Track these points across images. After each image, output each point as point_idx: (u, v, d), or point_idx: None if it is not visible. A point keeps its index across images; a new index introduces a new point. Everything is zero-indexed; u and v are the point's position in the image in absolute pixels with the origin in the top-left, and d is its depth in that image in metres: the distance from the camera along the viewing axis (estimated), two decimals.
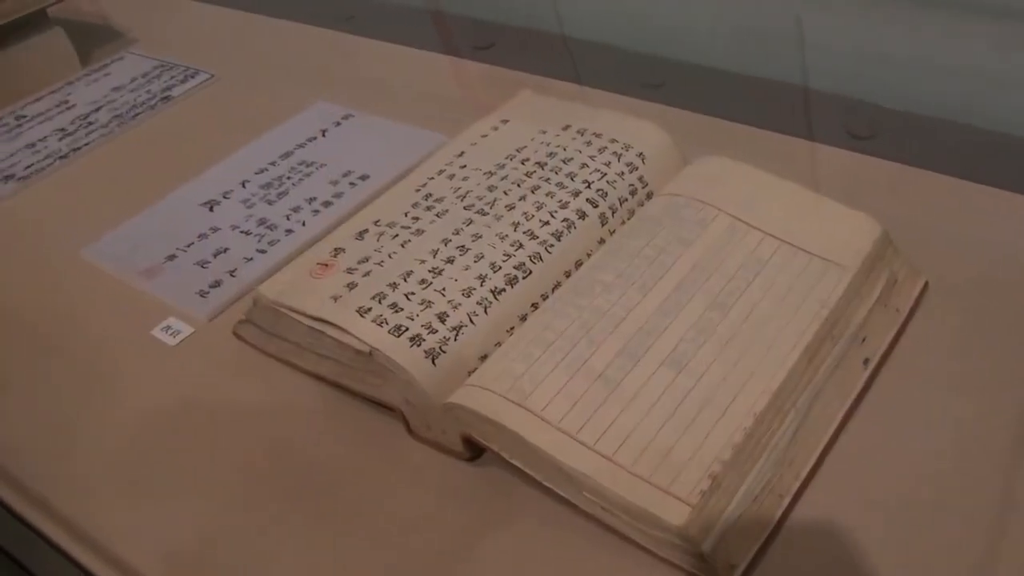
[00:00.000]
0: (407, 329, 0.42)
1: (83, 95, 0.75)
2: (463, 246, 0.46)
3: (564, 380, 0.38)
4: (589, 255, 0.47)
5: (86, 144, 0.69)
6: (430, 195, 0.50)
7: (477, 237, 0.46)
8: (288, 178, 0.61)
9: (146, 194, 0.62)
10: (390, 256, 0.46)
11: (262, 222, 0.58)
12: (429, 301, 0.43)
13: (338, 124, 0.66)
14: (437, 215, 0.48)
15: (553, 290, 0.45)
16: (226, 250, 0.56)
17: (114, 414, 0.47)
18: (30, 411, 0.49)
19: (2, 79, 0.76)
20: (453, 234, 0.47)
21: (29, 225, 0.62)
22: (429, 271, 0.45)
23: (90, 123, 0.71)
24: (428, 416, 0.42)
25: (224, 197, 0.61)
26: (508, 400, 0.38)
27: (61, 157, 0.68)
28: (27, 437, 0.47)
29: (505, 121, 0.55)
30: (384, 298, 0.43)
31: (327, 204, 0.58)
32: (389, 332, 0.42)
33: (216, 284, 0.54)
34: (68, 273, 0.57)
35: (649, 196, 0.50)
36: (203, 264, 0.56)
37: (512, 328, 0.43)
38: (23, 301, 0.56)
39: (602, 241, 0.48)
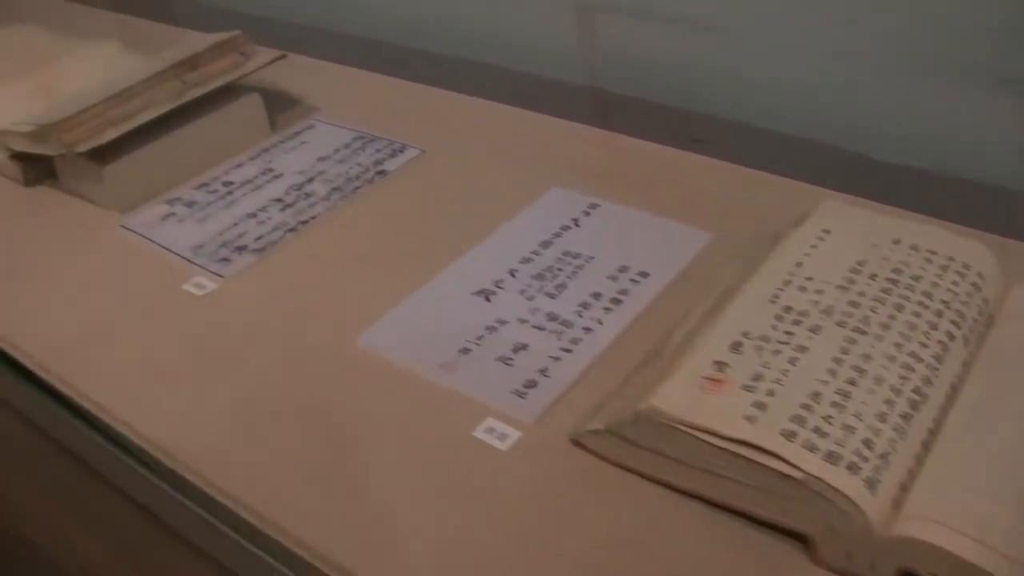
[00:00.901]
0: (840, 456, 0.41)
1: (286, 163, 0.73)
2: (858, 367, 0.45)
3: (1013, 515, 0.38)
4: (959, 379, 0.47)
5: (312, 217, 0.66)
6: (790, 307, 0.50)
7: (867, 358, 0.46)
8: (559, 270, 0.60)
9: (397, 275, 0.60)
10: (784, 374, 0.45)
11: (552, 317, 0.56)
12: (850, 426, 0.42)
13: (587, 213, 0.65)
14: (811, 331, 0.48)
15: (940, 414, 0.45)
16: (525, 346, 0.55)
17: (452, 518, 0.45)
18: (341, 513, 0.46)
19: (201, 144, 0.73)
20: (842, 353, 0.46)
21: (288, 303, 0.60)
22: (836, 392, 0.44)
23: (307, 194, 0.69)
24: (857, 546, 0.41)
25: (497, 287, 0.59)
26: (970, 537, 0.38)
27: (290, 230, 0.66)
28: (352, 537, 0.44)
29: (827, 231, 0.55)
30: (803, 422, 0.42)
31: (616, 302, 0.57)
32: (823, 459, 0.41)
33: (531, 384, 0.52)
34: (350, 362, 0.55)
35: (990, 318, 0.50)
36: (505, 360, 0.54)
37: (918, 455, 0.43)
38: (311, 392, 0.53)
39: (966, 364, 0.48)
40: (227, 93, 0.74)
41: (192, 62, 0.75)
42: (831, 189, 0.63)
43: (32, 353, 0.58)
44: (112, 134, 0.68)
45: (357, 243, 0.64)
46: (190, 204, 0.69)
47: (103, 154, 0.69)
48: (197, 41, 0.78)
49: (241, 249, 0.64)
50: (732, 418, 0.43)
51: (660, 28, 0.78)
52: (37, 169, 0.75)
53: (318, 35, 0.98)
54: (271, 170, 0.72)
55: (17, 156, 0.74)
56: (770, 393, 0.44)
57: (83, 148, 0.67)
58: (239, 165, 0.73)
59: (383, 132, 0.75)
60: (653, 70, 0.78)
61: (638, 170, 0.69)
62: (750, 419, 0.43)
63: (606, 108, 0.80)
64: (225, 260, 0.63)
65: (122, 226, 0.68)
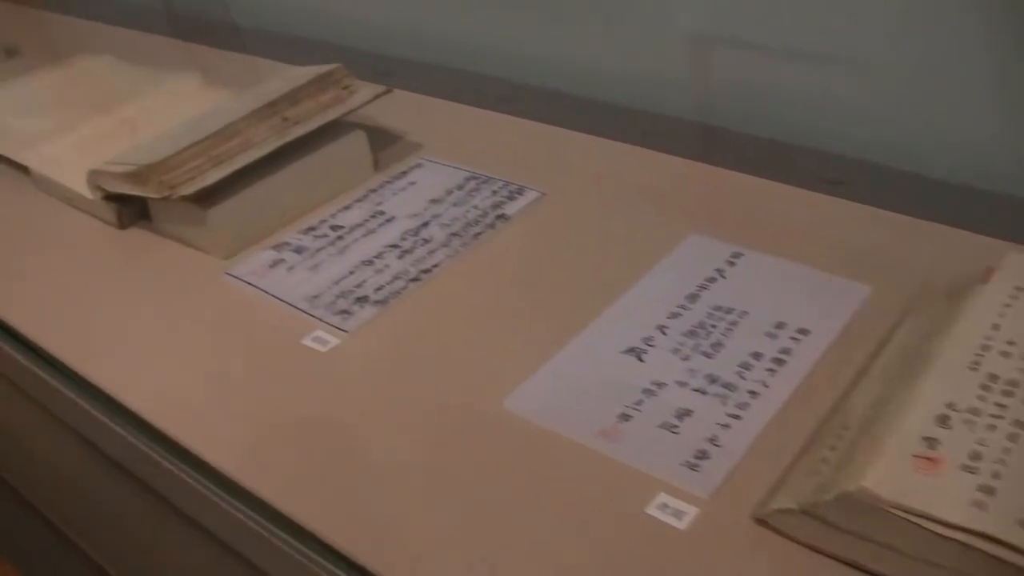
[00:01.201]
0: None
1: (397, 205, 0.69)
2: None
3: None
4: None
5: (434, 265, 0.62)
6: (995, 376, 0.45)
7: None
8: (712, 326, 0.56)
9: (535, 330, 0.56)
10: (1007, 452, 0.41)
11: (712, 379, 0.52)
12: None
13: (731, 263, 0.60)
14: None
15: None
16: (689, 412, 0.50)
17: None
18: None
19: (305, 184, 0.69)
20: None
21: (419, 361, 0.55)
22: None
23: (425, 240, 0.65)
24: None
25: (648, 344, 0.55)
26: None
27: (412, 279, 0.61)
28: None
29: (1020, 289, 0.50)
30: None
31: (779, 362, 0.53)
32: None
33: (702, 455, 0.48)
34: (497, 428, 0.51)
35: None
36: (670, 428, 0.49)
37: None
38: (455, 462, 0.49)
39: None
40: (330, 130, 0.71)
41: (292, 97, 0.71)
42: (994, 237, 0.59)
43: (143, 411, 0.54)
44: (216, 175, 0.64)
45: (485, 294, 0.60)
46: (299, 250, 0.65)
47: (205, 196, 0.65)
48: (295, 75, 0.74)
49: (361, 300, 0.60)
50: (958, 503, 0.39)
51: (783, 60, 0.73)
52: (130, 210, 0.71)
53: (404, 67, 0.94)
54: (381, 213, 0.68)
55: (111, 197, 0.70)
56: (995, 475, 0.40)
57: (187, 191, 0.63)
58: (346, 207, 0.69)
59: (497, 172, 0.71)
60: (777, 105, 0.74)
61: (778, 215, 0.65)
62: (979, 505, 0.38)
63: (727, 146, 0.76)
64: (345, 313, 0.59)
65: (228, 274, 0.64)
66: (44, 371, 0.59)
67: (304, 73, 0.75)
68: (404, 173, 0.73)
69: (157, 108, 0.84)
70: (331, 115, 0.70)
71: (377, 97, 0.72)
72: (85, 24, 1.19)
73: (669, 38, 0.77)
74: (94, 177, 0.69)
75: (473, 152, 0.75)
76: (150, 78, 0.91)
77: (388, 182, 0.72)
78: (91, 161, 0.73)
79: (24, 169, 0.80)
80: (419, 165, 0.74)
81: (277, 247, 0.66)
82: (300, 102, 0.71)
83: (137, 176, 0.65)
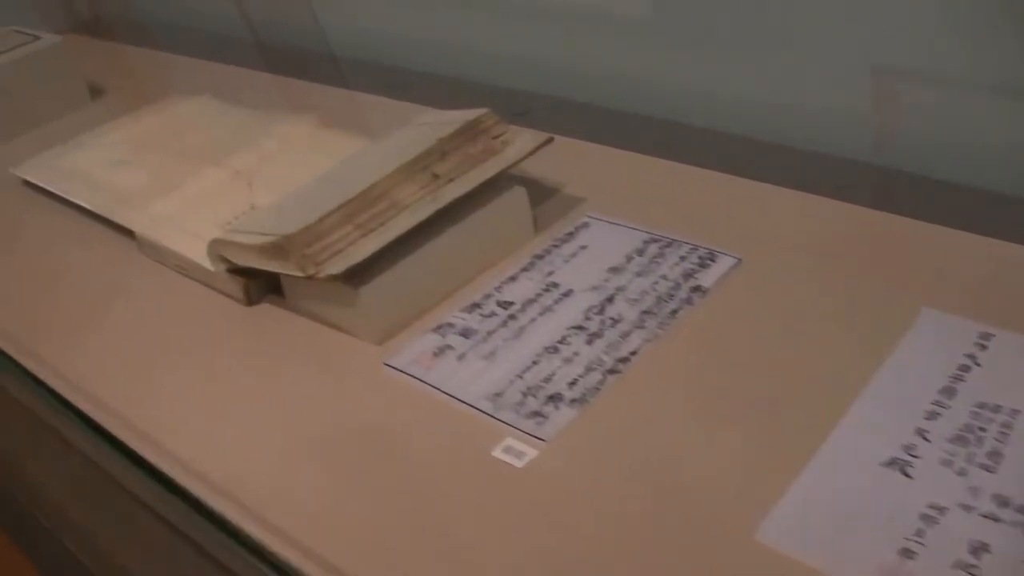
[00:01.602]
0: None
1: (570, 275, 0.59)
2: None
3: None
4: None
5: (632, 353, 0.52)
6: None
7: None
8: (982, 430, 0.45)
9: (767, 435, 0.46)
10: None
11: (1002, 502, 0.42)
12: None
13: (982, 347, 0.50)
14: None
15: None
16: (985, 546, 0.40)
17: None
18: None
19: (461, 252, 0.59)
20: None
21: (640, 477, 0.45)
22: None
23: (614, 320, 0.55)
24: None
25: (910, 454, 0.44)
26: None
27: (610, 371, 0.51)
28: None
29: None
30: None
31: None
32: None
33: None
34: (753, 565, 0.40)
35: None
36: (968, 569, 0.39)
37: None
38: None
39: None
40: (485, 187, 0.61)
41: (440, 150, 0.61)
42: None
43: (291, 558, 0.44)
44: (368, 248, 0.55)
45: (699, 389, 0.50)
46: (466, 333, 0.55)
47: (353, 271, 0.55)
48: (436, 121, 0.65)
49: (555, 399, 0.50)
50: None
51: (982, 98, 0.63)
52: (259, 283, 0.61)
53: (537, 102, 0.84)
54: (555, 285, 0.58)
55: (236, 269, 0.60)
56: None
57: (336, 269, 0.53)
58: (512, 278, 0.59)
59: (678, 232, 0.61)
60: (979, 150, 0.63)
61: (1018, 283, 0.54)
62: None
63: (924, 196, 0.65)
64: (538, 416, 0.49)
65: (388, 365, 0.54)
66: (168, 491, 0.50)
67: (446, 119, 0.65)
68: (571, 234, 0.63)
69: (272, 157, 0.75)
70: (488, 171, 0.60)
71: (538, 148, 0.62)
72: (167, 58, 1.11)
73: (852, 71, 0.67)
74: (217, 247, 0.60)
75: (644, 207, 0.64)
76: (257, 121, 0.82)
77: (554, 246, 0.62)
78: (205, 223, 0.64)
79: (127, 232, 0.71)
80: (586, 224, 0.63)
81: (439, 329, 0.56)
82: (449, 155, 0.61)
83: (274, 249, 0.55)
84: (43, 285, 0.70)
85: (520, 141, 0.63)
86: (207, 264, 0.62)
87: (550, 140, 0.63)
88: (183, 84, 1.01)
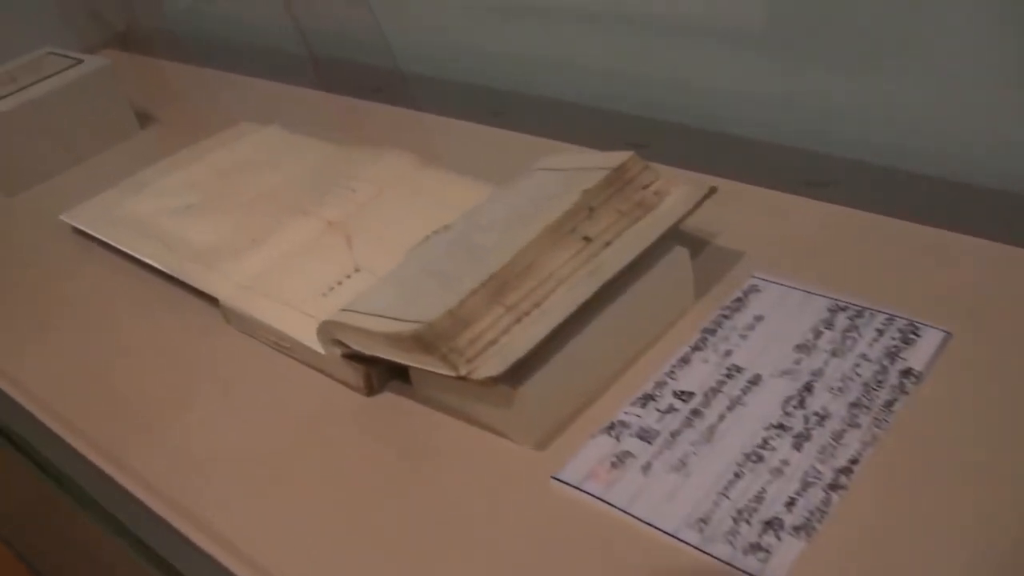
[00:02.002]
0: None
1: (750, 355, 0.51)
2: None
3: None
4: None
5: (854, 462, 0.44)
6: None
7: None
8: None
9: None
10: None
11: None
12: None
13: None
14: None
15: None
16: None
17: None
18: None
19: (621, 331, 0.51)
20: None
21: None
22: None
23: (819, 416, 0.46)
24: None
25: None
26: None
27: (831, 486, 0.43)
28: None
29: None
30: None
31: None
32: None
33: None
34: None
35: None
36: None
37: None
38: None
39: None
40: (652, 251, 0.52)
41: (586, 205, 0.52)
42: None
43: None
44: (527, 340, 0.46)
45: (936, 509, 0.41)
46: (645, 435, 0.46)
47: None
48: (569, 166, 0.56)
49: (774, 526, 0.41)
50: None
51: None
52: (382, 370, 0.52)
53: (657, 129, 0.75)
54: (737, 369, 0.49)
55: (356, 354, 0.51)
56: None
57: (495, 370, 0.44)
58: (684, 360, 0.50)
59: (865, 297, 0.52)
60: None
61: None
62: None
63: None
64: (759, 550, 0.40)
65: (557, 479, 0.45)
66: None
67: (579, 163, 0.56)
68: (739, 301, 0.54)
69: (369, 204, 0.66)
70: (649, 232, 0.52)
71: (702, 202, 0.53)
72: (213, 75, 1.01)
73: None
74: (331, 330, 0.51)
75: (814, 262, 0.56)
76: (344, 157, 0.72)
77: (724, 316, 0.53)
78: (302, 289, 0.56)
79: (200, 293, 0.62)
80: (755, 288, 0.55)
81: (610, 430, 0.47)
82: (597, 211, 0.53)
83: (413, 341, 0.46)
84: (106, 362, 0.61)
85: (677, 192, 0.54)
86: (314, 344, 0.53)
87: (714, 191, 0.54)
88: (236, 107, 0.91)
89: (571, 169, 0.56)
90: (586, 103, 0.80)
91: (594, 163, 0.56)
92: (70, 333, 0.65)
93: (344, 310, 0.51)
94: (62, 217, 0.75)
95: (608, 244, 0.51)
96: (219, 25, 1.15)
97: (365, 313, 0.50)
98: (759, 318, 0.53)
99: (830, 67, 0.66)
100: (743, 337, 0.51)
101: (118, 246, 0.69)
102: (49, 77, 0.85)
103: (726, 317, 0.53)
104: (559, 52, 0.82)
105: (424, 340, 0.46)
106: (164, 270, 0.64)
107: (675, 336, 0.52)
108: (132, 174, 0.78)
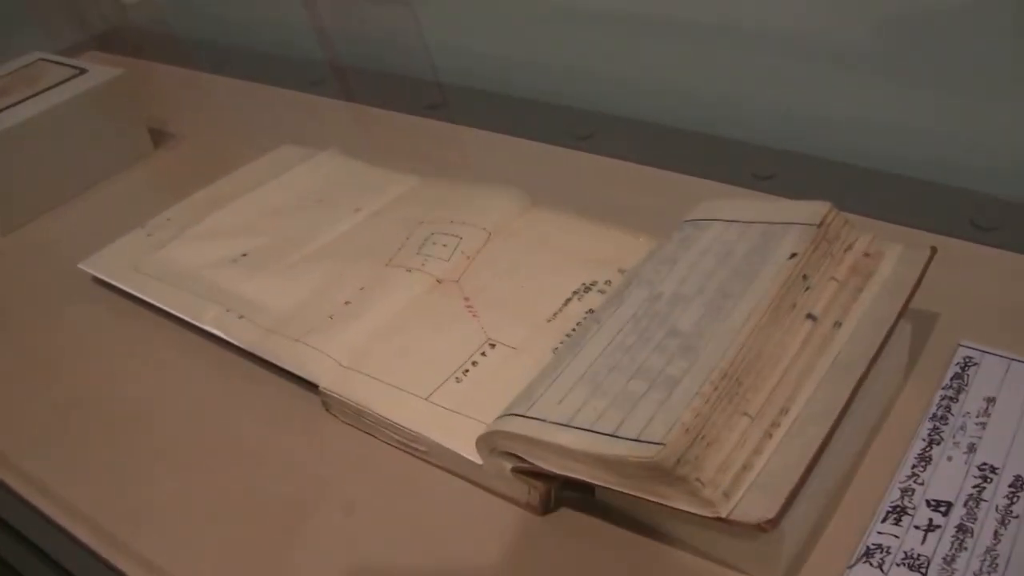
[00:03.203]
0: None
1: (997, 448, 0.43)
2: None
3: None
4: None
5: None
6: None
7: None
8: None
9: None
10: None
11: None
12: None
13: None
14: None
15: None
16: None
17: None
18: None
19: (857, 431, 0.42)
20: None
21: None
22: None
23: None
24: None
25: None
26: None
27: None
28: None
29: None
30: None
31: None
32: None
33: None
34: None
35: None
36: None
37: None
38: None
39: None
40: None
41: (799, 272, 0.44)
42: None
43: None
44: (792, 463, 0.37)
45: None
46: (915, 564, 0.39)
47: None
48: (748, 218, 0.48)
49: None
50: None
51: None
52: (558, 485, 0.43)
53: (780, 161, 0.66)
54: (992, 469, 0.42)
55: (529, 470, 0.42)
56: None
57: (768, 512, 0.36)
58: (923, 459, 0.43)
59: None
60: None
61: None
62: None
63: None
64: None
65: None
66: None
67: (769, 216, 0.48)
68: (958, 379, 0.46)
69: (481, 256, 0.55)
70: (885, 311, 0.43)
71: (927, 267, 0.45)
72: (225, 83, 0.89)
73: None
74: (503, 442, 0.42)
75: (1017, 323, 0.48)
76: (432, 196, 0.62)
77: (948, 399, 0.46)
78: (428, 372, 0.46)
79: (277, 368, 0.51)
80: (971, 360, 0.47)
81: (869, 558, 0.39)
82: (810, 279, 0.44)
83: (647, 469, 0.37)
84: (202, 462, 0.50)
85: (891, 253, 0.46)
86: (467, 452, 0.43)
87: (934, 252, 0.46)
88: (256, 120, 0.80)
89: (758, 222, 0.47)
90: (700, 129, 0.71)
91: (786, 216, 0.47)
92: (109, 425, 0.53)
93: (515, 415, 0.42)
94: (81, 266, 0.63)
95: (838, 324, 0.43)
96: (220, 25, 1.02)
97: (549, 422, 0.40)
98: (990, 400, 0.45)
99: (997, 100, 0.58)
100: (980, 426, 0.44)
101: (171, 310, 0.57)
102: (50, 89, 0.72)
103: (951, 399, 0.45)
104: (660, 75, 0.73)
105: (663, 468, 0.37)
106: (242, 346, 0.53)
107: (898, 426, 0.44)
108: (151, 204, 0.66)
